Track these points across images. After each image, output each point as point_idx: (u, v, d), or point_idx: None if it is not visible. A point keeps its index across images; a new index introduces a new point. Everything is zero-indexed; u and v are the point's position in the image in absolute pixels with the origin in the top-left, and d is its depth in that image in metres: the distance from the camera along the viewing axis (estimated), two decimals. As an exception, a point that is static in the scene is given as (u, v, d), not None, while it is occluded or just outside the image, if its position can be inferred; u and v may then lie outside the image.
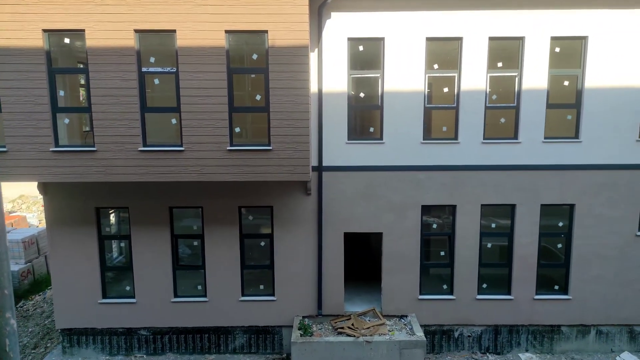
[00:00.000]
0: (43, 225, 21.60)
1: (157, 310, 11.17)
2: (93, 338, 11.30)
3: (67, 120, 9.67)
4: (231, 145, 9.50)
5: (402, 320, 11.08)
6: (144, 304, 11.14)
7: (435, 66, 10.50)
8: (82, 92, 10.04)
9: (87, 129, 9.82)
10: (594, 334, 11.38)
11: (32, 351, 11.99)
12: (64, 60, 9.65)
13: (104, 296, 11.17)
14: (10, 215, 21.41)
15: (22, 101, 9.13)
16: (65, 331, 11.27)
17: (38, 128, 9.27)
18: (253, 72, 9.69)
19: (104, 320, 11.18)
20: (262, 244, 11.16)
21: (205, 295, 11.17)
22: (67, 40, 9.37)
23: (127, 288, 11.22)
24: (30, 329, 13.08)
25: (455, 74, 10.46)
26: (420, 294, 11.21)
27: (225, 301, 11.14)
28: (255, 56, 9.47)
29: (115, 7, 8.91)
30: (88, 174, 9.48)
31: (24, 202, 26.05)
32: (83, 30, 9.01)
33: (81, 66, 9.62)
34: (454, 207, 10.94)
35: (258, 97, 9.59)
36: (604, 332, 11.36)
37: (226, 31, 9.09)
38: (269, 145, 9.48)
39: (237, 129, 9.65)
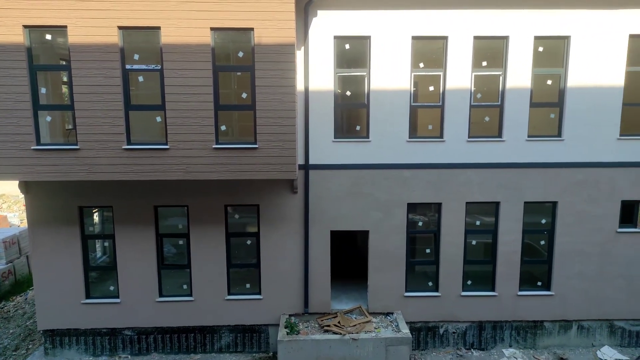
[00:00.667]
0: (25, 225, 21.22)
1: (142, 310, 11.06)
2: (76, 339, 11.14)
3: (49, 118, 9.50)
4: (217, 143, 9.44)
5: (388, 318, 11.15)
6: (128, 304, 11.02)
7: (421, 65, 10.56)
8: (64, 89, 9.87)
9: (70, 127, 9.67)
10: (576, 329, 11.59)
11: (13, 353, 11.78)
12: (45, 57, 9.47)
13: (88, 296, 11.02)
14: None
15: (2, 99, 8.95)
16: (48, 332, 11.10)
17: (19, 126, 9.09)
18: (239, 69, 9.62)
19: (88, 320, 11.03)
20: (249, 242, 11.12)
21: (191, 295, 11.10)
22: (48, 37, 9.20)
23: (111, 288, 11.09)
24: (11, 331, 12.84)
25: (441, 73, 10.54)
26: (406, 291, 11.29)
27: (211, 300, 11.08)
28: (241, 54, 9.41)
29: (98, 3, 8.77)
30: (71, 173, 9.33)
31: (4, 202, 25.57)
32: (65, 27, 8.86)
33: (63, 63, 9.46)
34: (439, 204, 11.03)
35: (244, 95, 9.54)
36: (585, 327, 11.57)
37: (212, 28, 9.01)
38: (255, 144, 9.44)
39: (223, 127, 9.59)
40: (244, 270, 11.27)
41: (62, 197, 10.51)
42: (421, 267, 11.50)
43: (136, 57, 9.19)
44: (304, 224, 10.86)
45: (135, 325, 11.15)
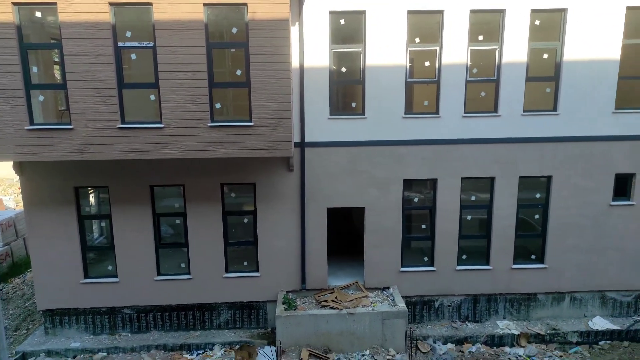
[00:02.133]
0: (20, 207, 21.15)
1: (141, 289, 11.14)
2: (76, 318, 11.24)
3: (41, 98, 9.39)
4: (212, 121, 9.38)
5: (384, 292, 11.31)
6: (127, 283, 11.09)
7: (417, 40, 10.46)
8: (56, 68, 9.73)
9: (63, 107, 9.56)
10: (568, 301, 11.81)
11: (14, 333, 11.90)
12: (36, 36, 9.29)
13: (86, 276, 11.07)
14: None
15: (-7, 78, 8.82)
16: (47, 312, 11.18)
17: (11, 106, 8.99)
18: (233, 46, 9.51)
19: (87, 300, 11.11)
20: (246, 220, 11.16)
21: (189, 273, 11.17)
22: (38, 14, 9.01)
23: (110, 268, 11.14)
24: (10, 312, 12.94)
25: (437, 48, 10.46)
26: (402, 266, 11.42)
27: (210, 278, 11.17)
28: (234, 30, 9.28)
29: (87, -22, 8.59)
30: (65, 153, 9.26)
31: (-2, 184, 25.42)
32: (55, 4, 8.68)
33: (54, 42, 9.29)
34: (435, 180, 11.08)
35: (238, 73, 9.45)
36: (577, 298, 11.79)
37: (204, 4, 8.86)
38: (251, 121, 9.40)
39: (218, 105, 9.52)
40: (241, 249, 11.34)
41: (58, 178, 10.46)
42: (417, 243, 11.62)
43: (128, 34, 9.05)
44: (300, 201, 10.90)
45: (135, 304, 11.24)
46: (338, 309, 10.37)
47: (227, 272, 11.24)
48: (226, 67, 9.78)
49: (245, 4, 8.91)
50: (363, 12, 10.18)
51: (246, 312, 11.49)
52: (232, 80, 9.64)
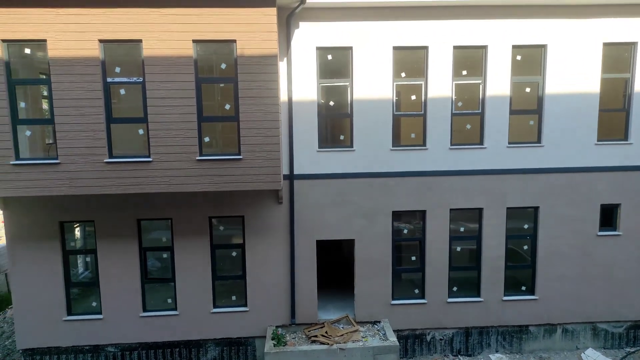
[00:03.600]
0: (3, 242, 20.72)
1: (126, 326, 10.86)
2: (57, 357, 10.87)
3: (28, 133, 9.35)
4: (200, 155, 9.39)
5: (376, 326, 11.15)
6: (111, 320, 10.81)
7: (403, 74, 10.69)
8: (45, 103, 9.73)
9: (50, 141, 9.52)
10: (560, 333, 11.73)
11: (-7, 374, 11.45)
12: (24, 71, 9.33)
13: (69, 313, 10.78)
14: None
15: (-21, 113, 8.78)
16: (28, 351, 10.81)
17: (-3, 141, 8.94)
18: (222, 81, 9.62)
19: (69, 338, 10.78)
20: (234, 254, 11.04)
21: (175, 309, 10.95)
22: (27, 51, 9.08)
23: (94, 304, 10.88)
24: (-10, 351, 12.48)
25: (422, 82, 10.69)
26: (393, 299, 11.32)
27: (197, 314, 10.95)
28: (224, 66, 9.42)
29: (78, 16, 8.71)
30: (51, 187, 9.17)
31: (-19, 218, 24.89)
32: (45, 41, 8.77)
33: (43, 77, 9.33)
34: (423, 212, 11.12)
35: (227, 107, 9.53)
36: (569, 330, 11.73)
37: (194, 41, 9.01)
38: (239, 155, 9.42)
39: (207, 139, 9.55)
40: (229, 282, 11.17)
41: (43, 212, 10.32)
42: (407, 275, 11.55)
43: (118, 70, 9.13)
44: (290, 234, 10.84)
45: (119, 342, 10.93)
46: (328, 344, 10.18)
47: (214, 306, 11.03)
48: (215, 100, 9.87)
49: (234, 41, 9.07)
50: (350, 48, 10.42)
51: (234, 349, 11.22)
52: (221, 115, 9.70)
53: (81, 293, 11.03)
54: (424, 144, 10.85)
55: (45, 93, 9.52)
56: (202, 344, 11.13)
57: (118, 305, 10.77)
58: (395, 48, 10.47)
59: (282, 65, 10.26)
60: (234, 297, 11.16)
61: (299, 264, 10.99)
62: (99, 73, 8.93)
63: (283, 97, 10.31)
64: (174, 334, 10.98)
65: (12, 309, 14.39)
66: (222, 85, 9.69)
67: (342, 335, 10.56)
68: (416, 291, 11.47)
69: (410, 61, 10.70)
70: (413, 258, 11.40)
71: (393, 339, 10.40)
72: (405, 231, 11.33)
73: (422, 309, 11.37)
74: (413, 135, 10.94)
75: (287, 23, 10.04)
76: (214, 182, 9.43)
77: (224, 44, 9.18)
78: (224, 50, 9.31)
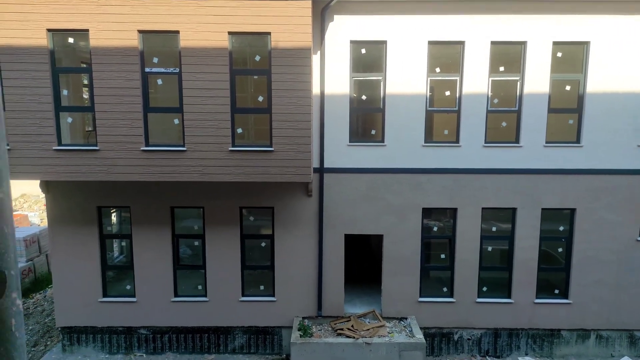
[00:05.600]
0: (45, 224, 21.65)
1: (157, 310, 11.20)
2: (93, 336, 11.33)
3: (70, 119, 9.72)
4: (233, 145, 9.54)
5: (402, 323, 11.10)
6: (144, 303, 11.17)
7: (437, 69, 10.53)
8: (85, 91, 10.09)
9: (90, 128, 9.87)
10: (594, 339, 11.37)
11: (32, 349, 12.02)
12: (67, 60, 9.72)
13: (105, 295, 11.20)
14: (13, 214, 21.41)
15: (25, 100, 9.18)
16: (66, 329, 11.31)
17: (41, 126, 9.32)
18: (256, 73, 9.73)
19: (104, 318, 11.22)
20: (263, 244, 11.19)
21: (205, 295, 11.20)
22: (71, 40, 9.43)
23: (128, 287, 11.26)
24: (30, 327, 13.11)
25: (457, 78, 10.49)
26: (420, 296, 11.22)
27: (226, 301, 11.17)
28: (258, 58, 9.51)
29: (118, 7, 8.96)
30: (90, 173, 9.52)
31: (25, 201, 26.12)
32: (87, 30, 9.07)
33: (85, 66, 9.68)
34: (454, 210, 10.96)
35: (260, 99, 9.64)
36: (604, 336, 11.35)
37: (229, 32, 9.13)
38: (271, 147, 9.52)
39: (239, 130, 9.69)
40: (258, 272, 11.34)
41: (82, 197, 10.73)
42: (436, 273, 11.43)
43: (155, 60, 9.36)
44: (318, 227, 10.89)
45: (151, 325, 11.29)
46: (354, 338, 10.20)
47: (243, 295, 11.23)
48: (248, 92, 10.00)
49: (268, 33, 9.15)
50: (384, 42, 10.32)
51: (261, 337, 11.41)
52: (254, 106, 9.83)
53: (116, 276, 11.43)
54: (457, 141, 10.67)
55: (86, 82, 9.86)
56: (230, 331, 11.36)
57: (151, 289, 11.11)
58: (430, 43, 10.31)
59: (315, 59, 10.27)
60: (262, 287, 11.33)
61: (327, 257, 11.04)
62: (138, 63, 9.19)
63: (315, 90, 10.33)
64: (203, 320, 11.24)
65: (52, 289, 15.04)
66: (255, 77, 9.80)
67: (369, 329, 10.56)
68: (445, 289, 11.33)
69: (446, 56, 10.52)
70: (442, 256, 11.26)
71: (420, 336, 10.33)
72: (435, 229, 11.20)
73: (450, 308, 11.23)
74: (446, 132, 10.77)
75: (321, 16, 10.03)
76: (245, 173, 9.56)
77: (259, 36, 9.27)
78: (258, 42, 9.41)
